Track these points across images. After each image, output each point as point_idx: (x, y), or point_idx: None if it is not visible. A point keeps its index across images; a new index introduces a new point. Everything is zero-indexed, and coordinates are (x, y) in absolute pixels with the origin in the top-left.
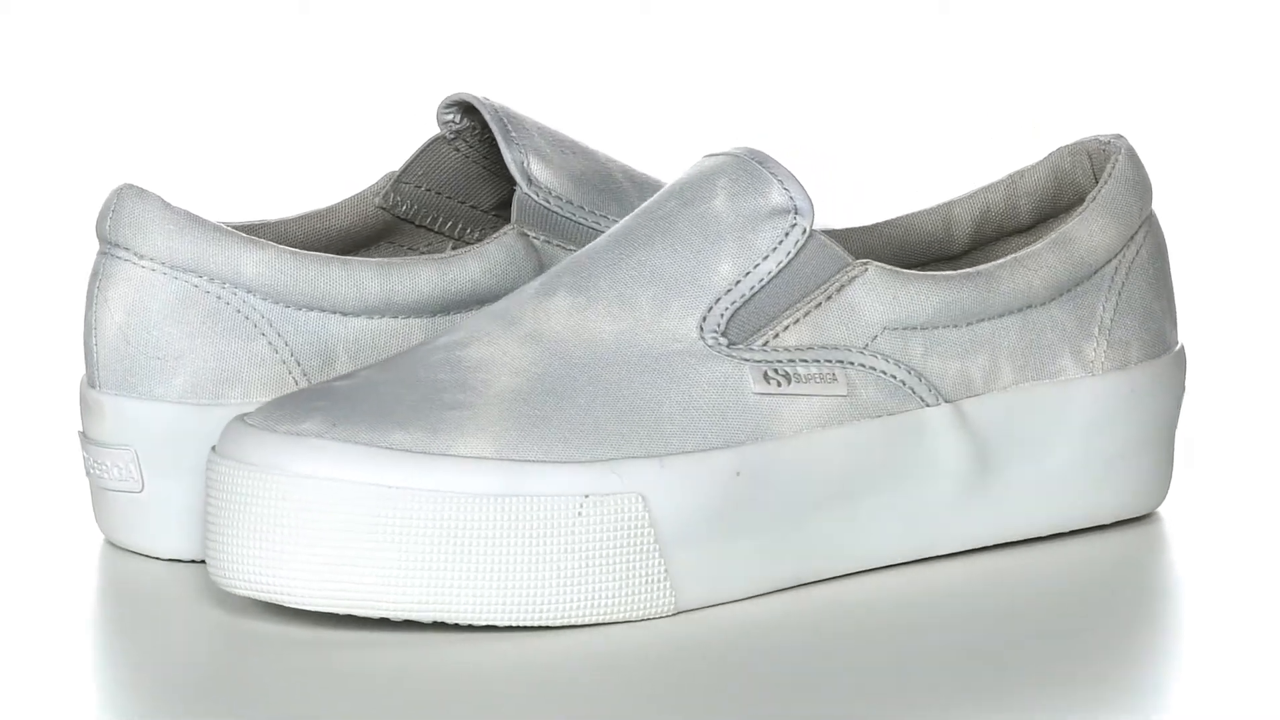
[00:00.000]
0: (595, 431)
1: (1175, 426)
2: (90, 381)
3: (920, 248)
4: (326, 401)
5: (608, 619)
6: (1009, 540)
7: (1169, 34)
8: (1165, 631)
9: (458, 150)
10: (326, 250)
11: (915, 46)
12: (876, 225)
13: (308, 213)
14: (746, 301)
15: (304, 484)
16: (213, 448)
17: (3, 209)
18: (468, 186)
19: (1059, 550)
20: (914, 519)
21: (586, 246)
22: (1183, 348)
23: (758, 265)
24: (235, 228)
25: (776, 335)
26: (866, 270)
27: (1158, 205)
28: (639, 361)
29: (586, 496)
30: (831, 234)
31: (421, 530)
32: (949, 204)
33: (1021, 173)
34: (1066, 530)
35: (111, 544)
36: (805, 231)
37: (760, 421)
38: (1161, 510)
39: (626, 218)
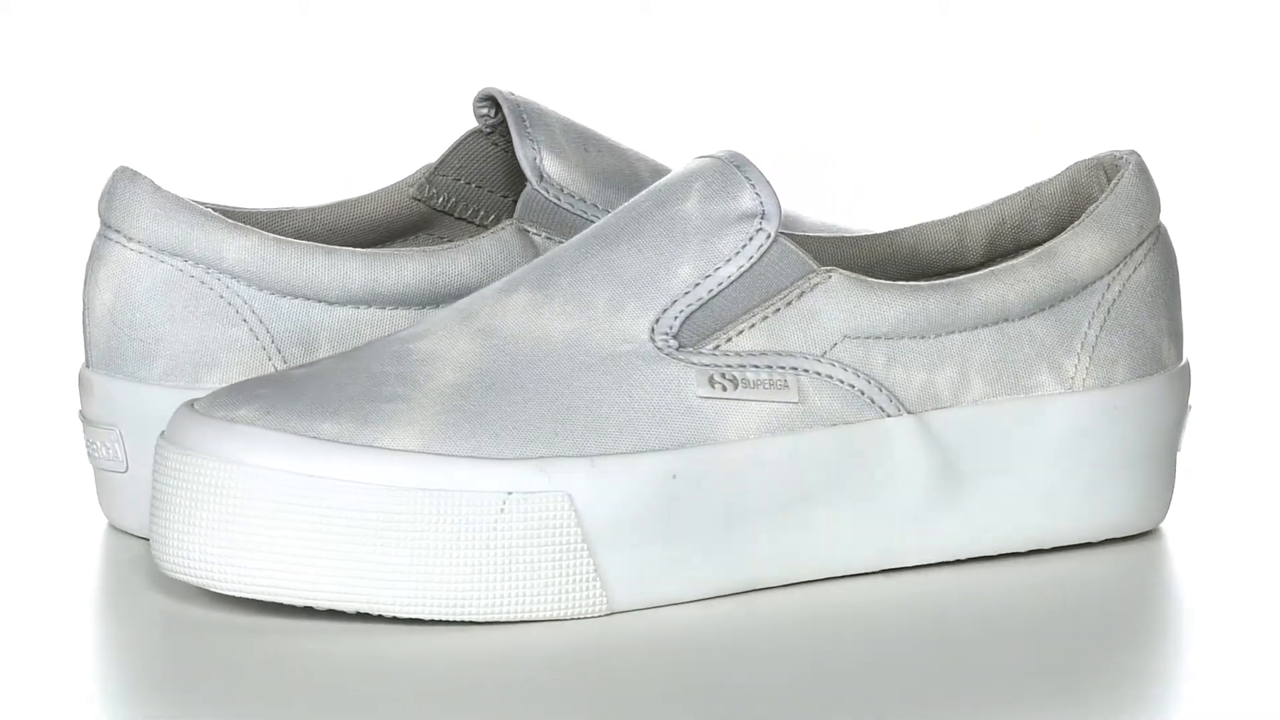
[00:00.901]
0: (527, 429)
1: (1174, 445)
2: (86, 361)
3: (933, 258)
4: (271, 389)
5: (535, 616)
6: (986, 554)
7: (1171, 30)
8: (1144, 649)
9: (495, 144)
10: (358, 239)
11: (914, 46)
12: (888, 234)
13: (339, 201)
14: (703, 305)
15: (231, 470)
16: (162, 431)
17: (46, 190)
18: (507, 179)
19: (1036, 565)
20: (874, 530)
21: (561, 244)
22: (1185, 367)
23: (718, 269)
24: (261, 214)
25: (729, 339)
26: (830, 277)
27: (1171, 218)
28: (584, 361)
29: (510, 494)
30: (840, 241)
31: (343, 521)
32: (964, 215)
33: (1039, 186)
34: (1048, 546)
35: (110, 523)
36: (769, 236)
37: (702, 425)
38: (1164, 527)
39: (605, 216)
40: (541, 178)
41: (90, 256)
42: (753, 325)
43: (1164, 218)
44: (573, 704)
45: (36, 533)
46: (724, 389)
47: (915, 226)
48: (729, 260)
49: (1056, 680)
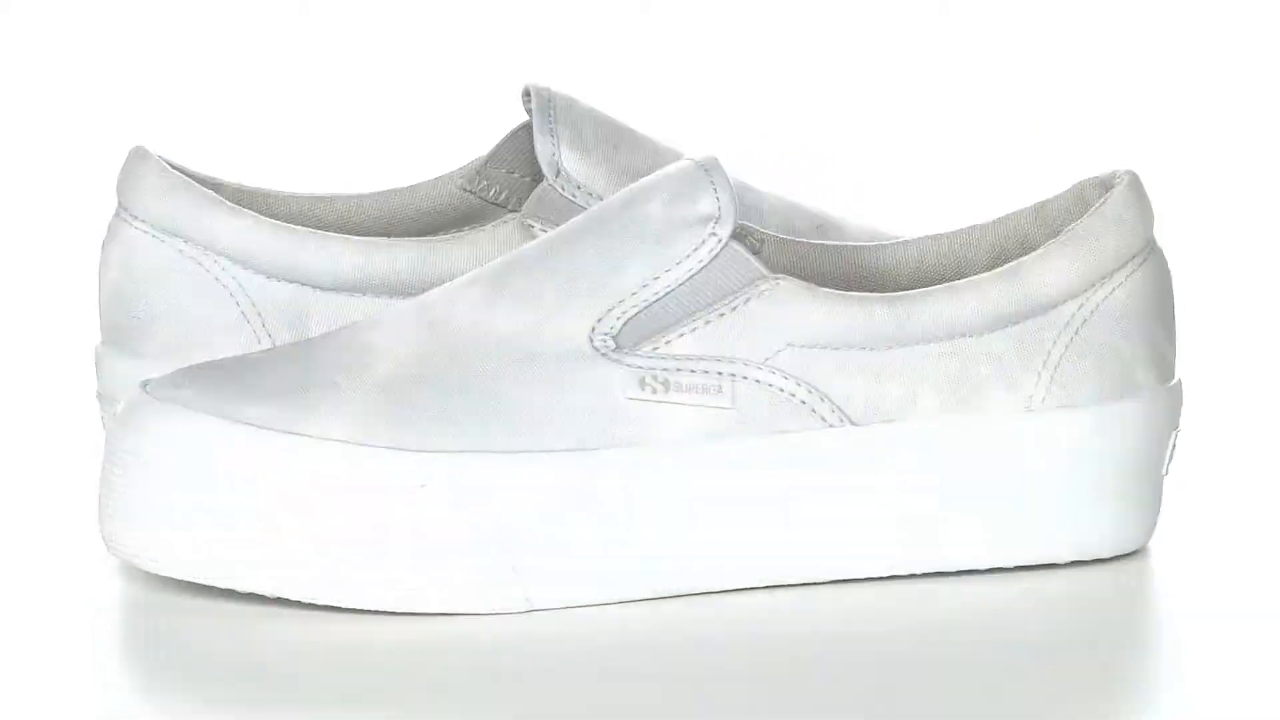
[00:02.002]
0: (450, 423)
1: (1154, 469)
2: (102, 336)
3: (937, 270)
4: (219, 371)
5: (452, 610)
6: (936, 571)
7: (1173, 30)
8: (1113, 663)
9: None
10: (405, 229)
11: (915, 46)
12: (892, 245)
13: (385, 190)
14: (648, 307)
15: (158, 449)
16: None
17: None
18: None
19: (1002, 582)
20: (815, 540)
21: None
22: (1169, 390)
23: (668, 271)
24: (302, 199)
25: (668, 342)
26: (778, 285)
27: (1174, 230)
28: (519, 358)
29: (423, 486)
30: (840, 249)
31: (260, 505)
32: (970, 229)
33: (1045, 203)
34: (1007, 566)
35: None
36: (721, 241)
37: (630, 428)
38: (1151, 546)
39: (579, 215)
40: (558, 173)
41: (106, 234)
42: (694, 329)
43: (1169, 231)
44: (487, 699)
45: (52, 510)
46: (654, 391)
47: (920, 239)
48: (679, 263)
49: (1018, 689)
